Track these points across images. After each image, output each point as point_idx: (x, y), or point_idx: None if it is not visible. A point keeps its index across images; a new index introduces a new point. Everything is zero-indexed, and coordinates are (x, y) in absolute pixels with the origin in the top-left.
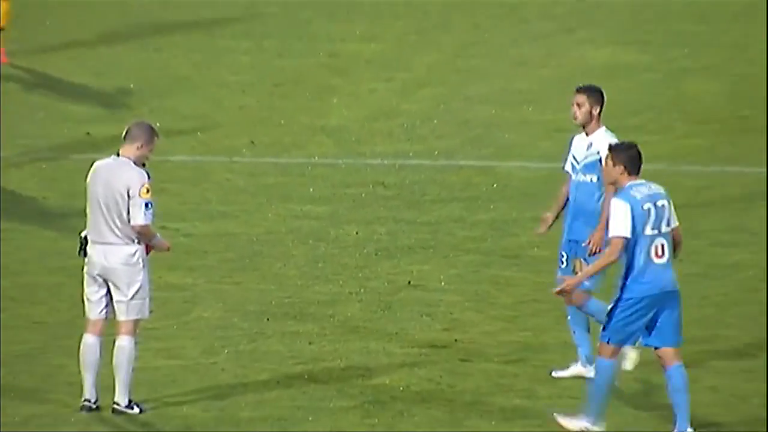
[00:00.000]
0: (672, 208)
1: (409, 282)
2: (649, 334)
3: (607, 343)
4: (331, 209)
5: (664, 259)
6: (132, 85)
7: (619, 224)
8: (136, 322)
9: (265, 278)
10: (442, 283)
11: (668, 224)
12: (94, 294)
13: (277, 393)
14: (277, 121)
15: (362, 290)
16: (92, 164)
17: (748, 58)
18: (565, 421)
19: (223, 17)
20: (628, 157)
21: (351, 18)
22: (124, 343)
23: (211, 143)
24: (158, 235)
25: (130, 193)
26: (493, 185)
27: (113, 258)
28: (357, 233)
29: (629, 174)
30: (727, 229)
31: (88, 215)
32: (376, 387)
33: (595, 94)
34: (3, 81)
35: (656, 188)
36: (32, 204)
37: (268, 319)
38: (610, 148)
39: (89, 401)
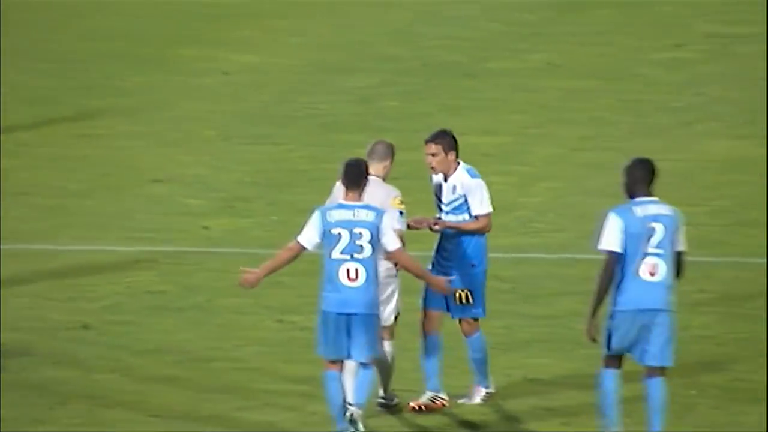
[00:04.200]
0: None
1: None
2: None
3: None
4: None
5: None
6: (248, 179)
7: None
8: (390, 327)
9: None
10: (561, 377)
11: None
12: None
13: None
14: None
15: None
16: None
17: None
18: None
19: (339, 111)
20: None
21: (470, 112)
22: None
23: None
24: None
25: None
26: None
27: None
28: None
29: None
30: None
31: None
32: None
33: (445, 139)
34: (124, 172)
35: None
36: (150, 297)
37: None
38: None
39: (384, 399)
